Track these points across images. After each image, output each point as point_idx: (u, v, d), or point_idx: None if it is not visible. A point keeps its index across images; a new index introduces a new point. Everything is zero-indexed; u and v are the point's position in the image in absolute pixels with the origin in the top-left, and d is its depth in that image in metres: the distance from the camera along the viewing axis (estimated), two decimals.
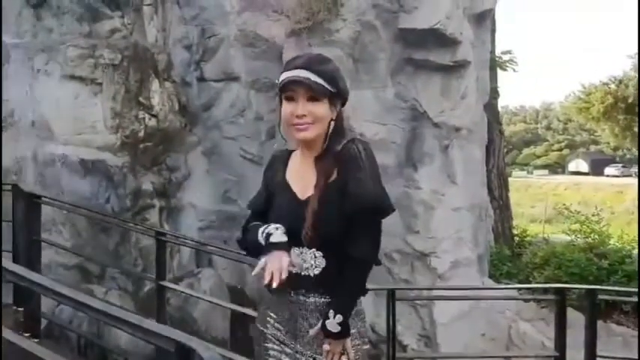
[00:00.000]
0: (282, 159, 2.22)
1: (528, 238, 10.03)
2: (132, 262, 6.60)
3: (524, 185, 36.50)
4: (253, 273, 2.00)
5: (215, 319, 6.08)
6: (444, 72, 6.82)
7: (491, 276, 7.77)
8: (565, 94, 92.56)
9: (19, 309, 5.06)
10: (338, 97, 2.09)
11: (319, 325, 1.99)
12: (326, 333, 1.98)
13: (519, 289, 6.81)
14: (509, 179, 11.61)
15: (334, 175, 2.05)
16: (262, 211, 2.16)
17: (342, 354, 2.00)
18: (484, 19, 7.79)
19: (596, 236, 8.44)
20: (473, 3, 7.24)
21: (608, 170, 48.94)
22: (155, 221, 6.90)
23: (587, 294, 4.21)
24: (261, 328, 2.11)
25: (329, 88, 2.04)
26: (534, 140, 67.23)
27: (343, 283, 2.00)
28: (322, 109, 2.04)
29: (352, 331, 2.02)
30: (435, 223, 6.76)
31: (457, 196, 6.92)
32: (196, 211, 7.55)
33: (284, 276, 1.92)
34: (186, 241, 5.83)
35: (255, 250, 2.05)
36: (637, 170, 42.59)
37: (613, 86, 27.80)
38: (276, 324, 2.08)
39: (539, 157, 62.96)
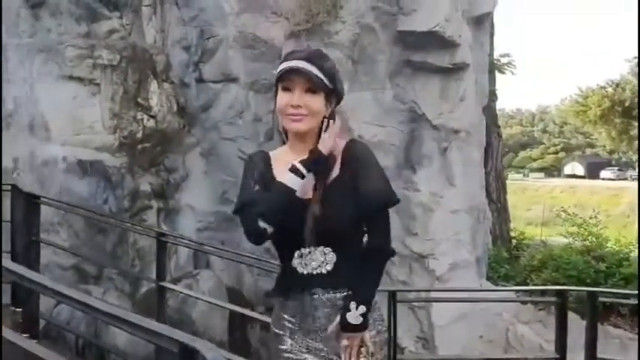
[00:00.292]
0: (262, 159, 2.21)
1: (526, 241, 10.05)
2: (129, 263, 6.59)
3: (520, 188, 36.49)
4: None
5: (214, 321, 6.06)
6: (443, 74, 6.84)
7: (489, 278, 7.78)
8: (561, 97, 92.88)
9: (17, 310, 5.02)
10: (334, 95, 2.08)
11: (338, 319, 1.98)
12: (345, 326, 1.97)
13: (517, 291, 6.83)
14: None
15: (335, 174, 2.04)
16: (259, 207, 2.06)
17: (360, 346, 1.99)
18: (483, 22, 7.82)
19: (594, 239, 8.47)
20: (472, 6, 7.27)
21: (603, 173, 48.97)
22: (153, 222, 6.89)
23: (588, 296, 4.22)
24: (277, 331, 2.10)
25: (327, 83, 2.03)
26: (530, 143, 67.25)
27: (363, 274, 2.00)
28: (318, 102, 2.02)
29: (369, 321, 2.02)
30: (434, 225, 6.78)
31: (455, 198, 6.93)
32: (194, 212, 7.54)
33: None
34: (188, 242, 5.81)
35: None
36: (633, 174, 42.81)
37: (610, 90, 27.80)
38: (291, 325, 2.06)
39: (535, 160, 62.94)
